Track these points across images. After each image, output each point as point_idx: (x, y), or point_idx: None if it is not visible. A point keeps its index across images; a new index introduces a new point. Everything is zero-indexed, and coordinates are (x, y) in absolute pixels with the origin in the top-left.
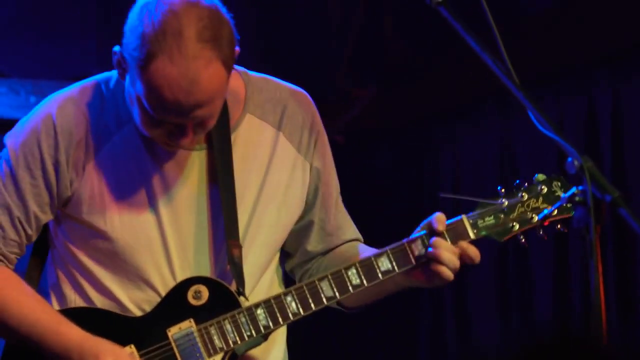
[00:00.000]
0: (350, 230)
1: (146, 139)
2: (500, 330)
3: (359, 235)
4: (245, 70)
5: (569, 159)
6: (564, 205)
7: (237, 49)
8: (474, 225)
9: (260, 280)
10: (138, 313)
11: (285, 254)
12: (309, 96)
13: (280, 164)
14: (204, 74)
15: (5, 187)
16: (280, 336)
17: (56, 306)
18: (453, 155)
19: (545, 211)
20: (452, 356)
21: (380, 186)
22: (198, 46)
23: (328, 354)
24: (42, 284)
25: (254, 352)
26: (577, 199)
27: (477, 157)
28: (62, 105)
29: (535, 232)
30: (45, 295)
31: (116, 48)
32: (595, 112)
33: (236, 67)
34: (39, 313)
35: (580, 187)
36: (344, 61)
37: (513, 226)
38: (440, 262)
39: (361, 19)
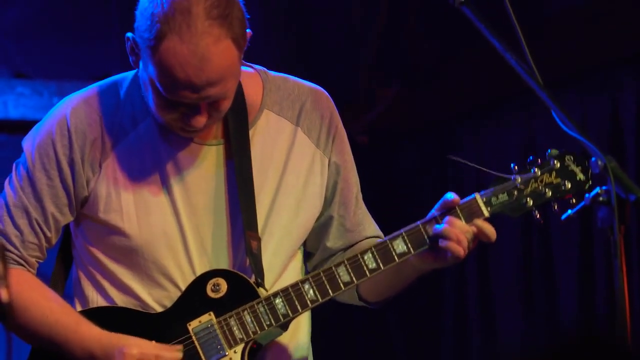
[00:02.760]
0: (371, 227)
1: (163, 135)
2: (524, 331)
3: (380, 233)
4: (264, 69)
5: (593, 159)
6: (580, 179)
7: (249, 31)
8: (487, 203)
9: (283, 275)
10: (159, 309)
11: (307, 254)
12: (327, 94)
13: (299, 159)
14: (213, 50)
15: (23, 190)
16: (303, 326)
17: (79, 307)
18: (476, 155)
19: (561, 186)
20: (476, 355)
21: (403, 186)
22: (206, 23)
23: (351, 347)
24: (68, 289)
25: (280, 342)
26: (600, 199)
27: (501, 157)
28: (76, 107)
29: (550, 207)
30: (69, 297)
31: (129, 34)
32: (618, 112)
33: (255, 65)
34: (58, 314)
35: (604, 187)
36: (368, 61)
37: (527, 202)
38: (450, 239)
39: (384, 18)
